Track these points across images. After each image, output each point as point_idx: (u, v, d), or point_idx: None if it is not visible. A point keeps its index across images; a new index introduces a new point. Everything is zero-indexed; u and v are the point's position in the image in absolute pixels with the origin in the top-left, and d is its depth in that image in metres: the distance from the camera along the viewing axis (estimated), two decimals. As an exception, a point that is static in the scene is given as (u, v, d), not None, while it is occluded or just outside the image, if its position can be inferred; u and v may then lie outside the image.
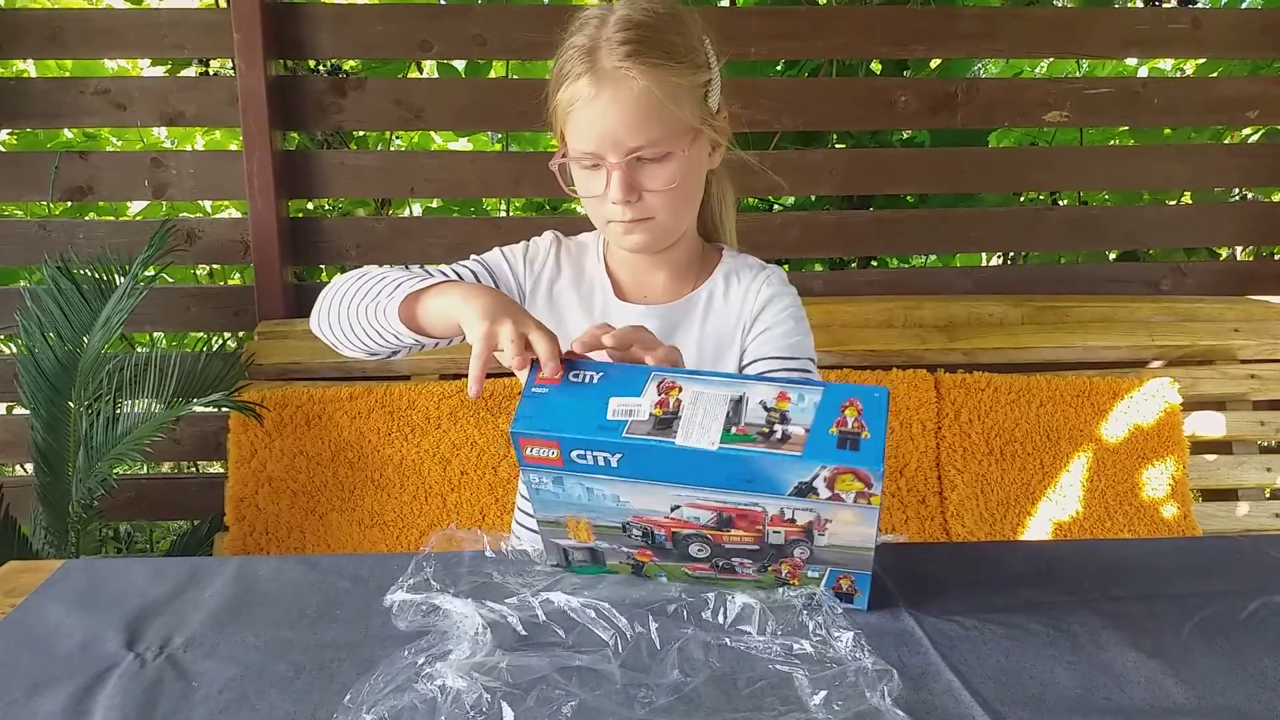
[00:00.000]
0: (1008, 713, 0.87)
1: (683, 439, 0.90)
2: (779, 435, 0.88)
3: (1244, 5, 3.05)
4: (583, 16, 1.22)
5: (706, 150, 1.28)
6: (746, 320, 1.36)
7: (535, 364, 0.98)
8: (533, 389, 0.96)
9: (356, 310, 1.20)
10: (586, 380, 0.96)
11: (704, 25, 1.26)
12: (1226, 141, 3.35)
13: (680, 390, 0.93)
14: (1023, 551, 1.25)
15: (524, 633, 0.97)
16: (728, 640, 0.95)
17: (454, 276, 1.31)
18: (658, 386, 0.93)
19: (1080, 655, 0.98)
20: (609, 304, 1.38)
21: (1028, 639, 1.01)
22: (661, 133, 1.18)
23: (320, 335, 1.28)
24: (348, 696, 0.87)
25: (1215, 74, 3.21)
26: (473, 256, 1.40)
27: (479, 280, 1.34)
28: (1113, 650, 0.99)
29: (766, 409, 0.90)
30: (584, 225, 1.38)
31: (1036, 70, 3.67)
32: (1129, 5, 3.01)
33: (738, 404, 0.91)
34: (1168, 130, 3.14)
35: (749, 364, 1.35)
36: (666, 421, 0.91)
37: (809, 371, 1.34)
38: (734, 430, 0.89)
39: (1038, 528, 2.37)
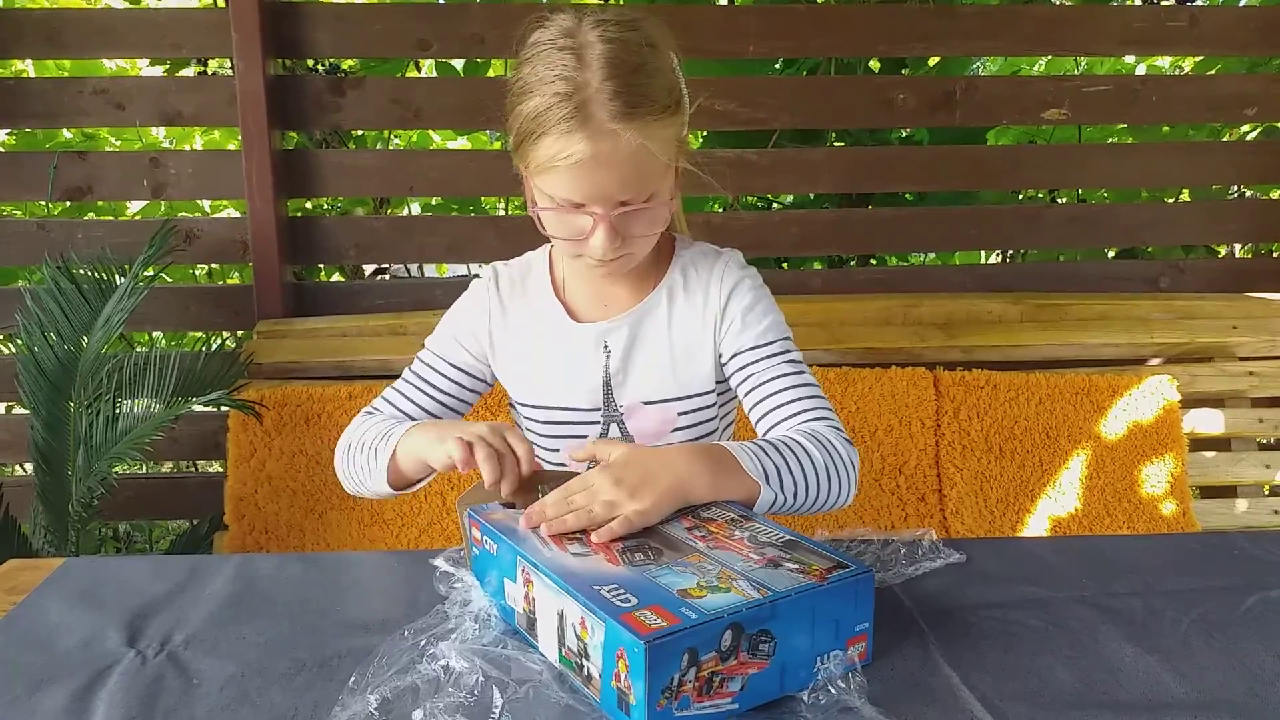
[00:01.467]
0: (1006, 708, 0.87)
1: (541, 645, 0.93)
2: (586, 673, 0.86)
3: (1242, 3, 3.05)
4: (549, 40, 1.14)
5: (675, 174, 1.25)
6: (715, 315, 1.33)
7: (472, 513, 1.05)
8: (473, 548, 1.05)
9: (368, 489, 1.29)
10: (493, 551, 1.00)
11: (673, 42, 1.20)
12: (1225, 139, 3.36)
13: (532, 586, 0.92)
14: (1021, 548, 1.25)
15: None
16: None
17: (432, 391, 1.39)
18: (521, 575, 0.94)
19: (1078, 651, 0.98)
20: (566, 330, 1.36)
21: (1026, 635, 1.01)
22: (648, 184, 1.16)
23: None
24: (352, 679, 0.89)
25: (1213, 71, 3.21)
26: (426, 345, 1.42)
27: (448, 377, 1.40)
28: (1111, 646, 0.99)
29: (576, 635, 0.86)
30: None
31: (1035, 68, 3.68)
32: (1127, 3, 3.01)
33: (561, 620, 0.88)
34: (1166, 128, 3.15)
35: (730, 359, 1.33)
36: (532, 621, 0.93)
37: (789, 352, 1.32)
38: (563, 651, 0.89)
39: (1037, 525, 2.37)
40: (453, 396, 1.39)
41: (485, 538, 1.02)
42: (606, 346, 1.34)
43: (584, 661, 0.85)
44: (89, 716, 0.87)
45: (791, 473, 1.13)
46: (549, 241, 1.36)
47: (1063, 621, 1.04)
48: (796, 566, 0.90)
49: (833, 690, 0.86)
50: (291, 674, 0.93)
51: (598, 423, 1.37)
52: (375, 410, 1.38)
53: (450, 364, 1.39)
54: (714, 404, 1.38)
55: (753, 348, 1.31)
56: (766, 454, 1.13)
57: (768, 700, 0.86)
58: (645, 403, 1.35)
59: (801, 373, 1.30)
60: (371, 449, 1.23)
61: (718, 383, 1.37)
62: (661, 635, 0.78)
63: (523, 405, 1.41)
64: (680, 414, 1.36)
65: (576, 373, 1.35)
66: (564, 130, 1.10)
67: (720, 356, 1.35)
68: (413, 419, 1.33)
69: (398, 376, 1.43)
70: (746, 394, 1.31)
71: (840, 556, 0.93)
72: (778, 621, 0.85)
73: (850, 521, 2.28)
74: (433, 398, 1.38)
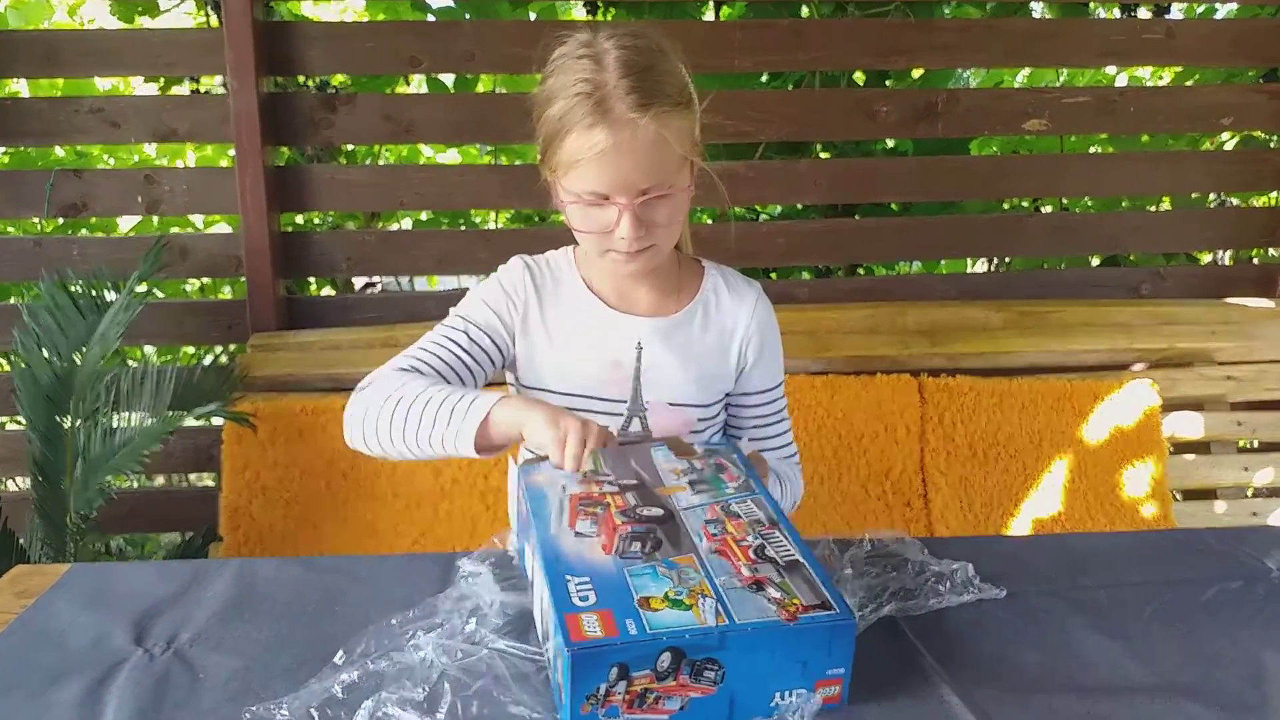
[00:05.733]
0: (976, 692, 0.92)
1: (536, 620, 0.98)
2: (547, 657, 0.90)
3: (1218, 15, 3.10)
4: (568, 52, 1.24)
5: (693, 174, 1.33)
6: (743, 340, 1.44)
7: (522, 471, 1.10)
8: (517, 507, 1.10)
9: (417, 444, 1.22)
10: (525, 513, 1.04)
11: (680, 51, 1.29)
12: (1203, 148, 3.41)
13: (534, 558, 0.97)
14: (995, 545, 1.30)
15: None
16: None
17: (461, 352, 1.37)
18: (530, 546, 1.00)
19: (1046, 639, 1.03)
20: (605, 319, 1.42)
21: (997, 625, 1.06)
22: (668, 173, 1.24)
23: (364, 450, 1.31)
24: (338, 655, 0.94)
25: (1190, 82, 3.26)
26: (455, 313, 1.42)
27: (477, 342, 1.39)
28: (1077, 634, 1.04)
29: (543, 618, 0.91)
30: (569, 235, 1.39)
31: (1016, 80, 3.73)
32: (1105, 16, 3.06)
33: (541, 601, 0.93)
34: (1145, 137, 3.20)
35: (744, 393, 1.48)
36: (534, 595, 0.98)
37: (783, 394, 1.52)
38: (540, 631, 0.94)
39: (1020, 528, 2.41)
40: (473, 359, 1.38)
41: (524, 500, 1.04)
42: (639, 345, 1.41)
43: (547, 645, 0.89)
44: (101, 710, 0.91)
45: (791, 501, 1.44)
46: (558, 247, 1.48)
47: (1032, 613, 1.09)
48: (777, 596, 0.89)
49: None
50: (294, 668, 0.97)
51: (621, 415, 1.43)
52: (411, 369, 1.33)
53: (478, 327, 1.40)
54: (714, 415, 1.49)
55: (768, 389, 1.49)
56: (791, 484, 1.43)
57: None
58: (670, 404, 1.43)
59: (787, 417, 1.52)
60: (449, 408, 1.19)
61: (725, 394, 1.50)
62: (588, 647, 0.80)
63: (544, 392, 1.43)
64: (699, 419, 1.44)
65: (610, 364, 1.42)
66: (587, 125, 1.19)
67: (738, 377, 1.47)
68: (441, 376, 1.34)
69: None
70: (750, 425, 1.50)
71: (833, 595, 0.90)
72: (727, 653, 0.84)
73: (836, 526, 2.32)
74: (457, 356, 1.37)
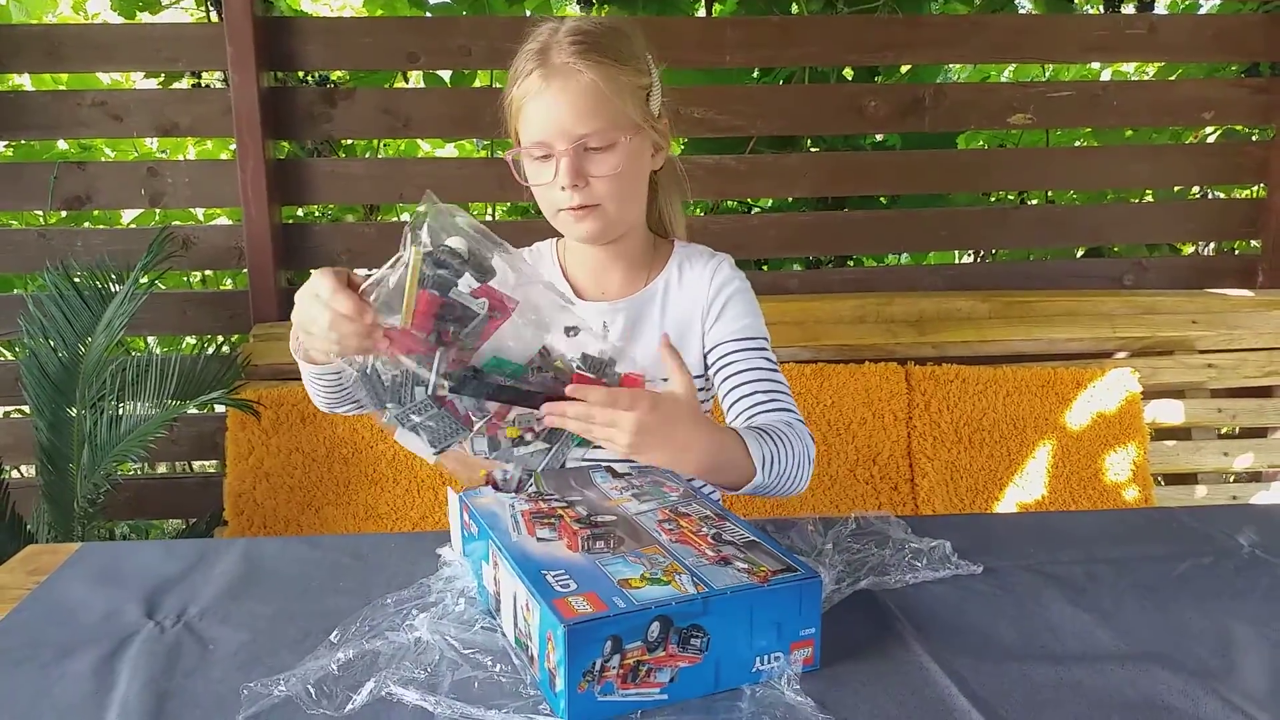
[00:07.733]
0: (954, 660, 0.96)
1: (503, 625, 0.99)
2: (530, 654, 0.91)
3: (1202, 10, 3.15)
4: (540, 28, 1.35)
5: (649, 149, 1.38)
6: (704, 305, 1.46)
7: (463, 497, 1.13)
8: (463, 531, 1.13)
9: (315, 392, 1.41)
10: (475, 533, 1.08)
11: (646, 42, 1.38)
12: (1186, 141, 3.46)
13: (497, 568, 1.00)
14: (975, 523, 1.34)
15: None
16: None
17: None
18: (491, 557, 1.02)
19: (1021, 611, 1.07)
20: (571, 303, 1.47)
21: (975, 598, 1.10)
22: (606, 122, 1.30)
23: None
24: (334, 633, 0.98)
25: (1173, 77, 3.31)
26: None
27: None
28: (1052, 607, 1.09)
29: (523, 617, 0.92)
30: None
31: (1002, 75, 3.77)
32: (1089, 11, 3.11)
33: (514, 602, 0.94)
34: (1129, 131, 3.25)
35: (712, 348, 1.44)
36: (499, 603, 1.00)
37: (765, 350, 1.42)
38: (516, 632, 0.95)
39: (1005, 511, 2.45)
40: None
41: (471, 521, 1.09)
42: (605, 326, 1.45)
43: (528, 642, 0.92)
44: (114, 679, 0.94)
45: (779, 460, 1.24)
46: (542, 239, 1.54)
47: (1009, 586, 1.13)
48: (745, 566, 0.94)
49: (774, 687, 0.90)
50: (299, 639, 1.01)
51: None
52: None
53: None
54: (700, 389, 1.49)
55: (734, 339, 1.43)
56: (764, 441, 1.23)
57: (703, 695, 0.90)
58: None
59: (775, 371, 1.41)
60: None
61: (706, 369, 1.48)
62: (583, 620, 0.84)
63: None
64: None
65: (576, 348, 1.44)
66: (528, 72, 1.31)
67: (704, 342, 1.47)
68: None
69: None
70: (723, 381, 1.42)
71: (794, 560, 0.95)
72: (711, 618, 0.88)
73: (825, 509, 2.37)
74: None
